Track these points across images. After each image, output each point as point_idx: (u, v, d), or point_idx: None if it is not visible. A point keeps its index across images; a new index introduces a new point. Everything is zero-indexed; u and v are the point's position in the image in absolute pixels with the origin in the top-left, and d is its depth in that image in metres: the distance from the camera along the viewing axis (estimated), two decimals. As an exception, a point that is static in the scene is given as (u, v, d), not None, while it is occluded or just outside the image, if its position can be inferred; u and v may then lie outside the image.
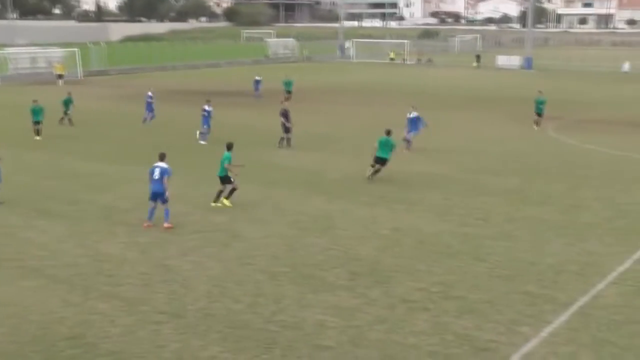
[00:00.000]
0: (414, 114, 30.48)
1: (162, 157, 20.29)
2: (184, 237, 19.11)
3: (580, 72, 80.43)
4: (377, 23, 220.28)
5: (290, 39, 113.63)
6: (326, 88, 61.97)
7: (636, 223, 20.58)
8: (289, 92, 49.61)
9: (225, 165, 21.77)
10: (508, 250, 18.09)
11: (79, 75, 71.38)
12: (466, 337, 13.07)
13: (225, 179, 21.98)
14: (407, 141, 30.89)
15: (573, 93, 58.21)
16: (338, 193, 24.05)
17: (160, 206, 19.95)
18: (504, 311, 14.22)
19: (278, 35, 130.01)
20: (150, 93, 39.75)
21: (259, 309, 14.34)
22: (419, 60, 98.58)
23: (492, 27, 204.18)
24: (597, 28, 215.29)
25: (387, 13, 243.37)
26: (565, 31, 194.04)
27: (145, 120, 39.32)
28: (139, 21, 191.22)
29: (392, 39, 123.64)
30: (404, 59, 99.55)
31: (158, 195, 19.94)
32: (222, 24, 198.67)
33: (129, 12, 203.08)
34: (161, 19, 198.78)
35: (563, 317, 13.98)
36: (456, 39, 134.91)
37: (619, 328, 13.54)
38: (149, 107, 39.44)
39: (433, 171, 27.41)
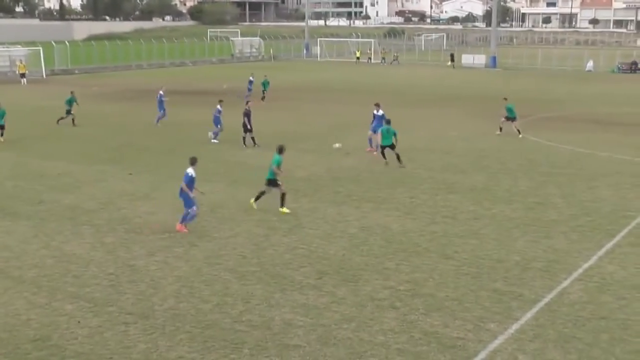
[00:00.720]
0: (380, 112, 30.55)
1: (192, 162, 19.28)
2: (151, 237, 18.98)
3: (545, 70, 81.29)
4: (343, 22, 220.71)
5: (256, 38, 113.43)
6: (292, 87, 61.98)
7: (600, 220, 20.82)
8: (264, 91, 49.73)
9: (273, 168, 20.94)
10: (475, 247, 18.21)
11: (43, 75, 70.62)
12: (434, 335, 13.14)
13: (272, 182, 21.24)
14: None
15: (538, 91, 58.78)
16: (305, 192, 24.04)
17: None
18: (472, 308, 14.32)
19: (243, 34, 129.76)
20: (161, 92, 39.05)
21: (227, 308, 14.29)
22: (383, 59, 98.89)
23: (457, 26, 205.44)
24: (561, 27, 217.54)
25: (353, 12, 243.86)
26: (530, 30, 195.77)
27: (158, 119, 38.64)
28: (104, 20, 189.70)
29: (357, 38, 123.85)
30: (369, 58, 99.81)
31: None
32: (188, 22, 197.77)
33: (93, 11, 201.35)
34: (126, 17, 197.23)
35: (530, 314, 14.11)
36: (422, 37, 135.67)
37: (585, 324, 13.69)
38: (161, 105, 38.67)
39: (400, 169, 27.48)
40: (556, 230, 19.76)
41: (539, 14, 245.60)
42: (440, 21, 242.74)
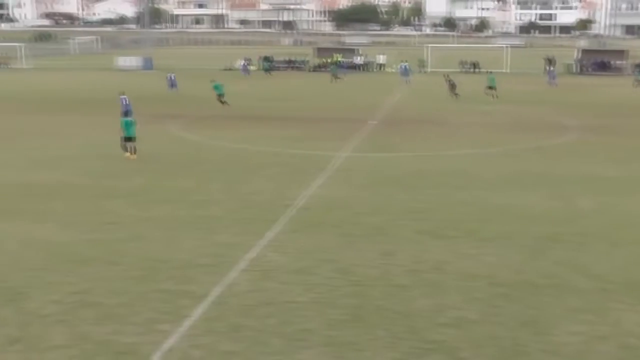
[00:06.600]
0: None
1: None
2: None
3: (197, 69, 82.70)
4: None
5: None
6: None
7: (260, 211, 21.82)
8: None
9: None
10: (141, 250, 18.17)
11: None
12: (106, 343, 12.90)
13: None
14: None
15: (192, 91, 59.63)
16: (-45, 210, 22.26)
17: None
18: (142, 312, 14.27)
19: None
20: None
21: None
22: (2, 64, 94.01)
23: (110, 29, 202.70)
24: (212, 28, 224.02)
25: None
26: (182, 31, 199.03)
27: None
28: None
29: (4, 42, 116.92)
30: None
31: None
32: None
33: None
34: None
35: (200, 310, 14.40)
36: (75, 41, 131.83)
37: (252, 312, 14.29)
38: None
39: (60, 179, 26.50)
40: (220, 225, 20.36)
41: (190, 15, 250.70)
42: (93, 23, 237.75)
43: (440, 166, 28.72)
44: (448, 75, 58.30)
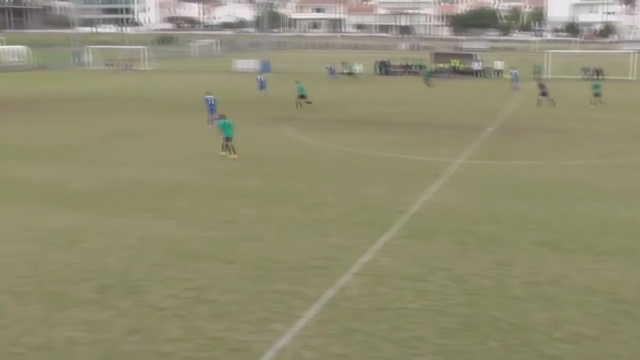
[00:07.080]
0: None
1: None
2: None
3: (314, 73, 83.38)
4: (113, 29, 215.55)
5: (21, 47, 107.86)
6: (61, 97, 59.55)
7: (374, 216, 21.78)
8: None
9: None
10: (255, 250, 18.45)
11: None
12: (219, 340, 13.17)
13: None
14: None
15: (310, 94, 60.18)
16: (82, 205, 23.22)
17: None
18: (256, 311, 14.49)
19: (8, 43, 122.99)
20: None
21: (3, 332, 13.50)
22: (126, 65, 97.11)
23: (229, 32, 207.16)
24: (329, 32, 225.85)
25: (124, 18, 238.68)
26: (300, 35, 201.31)
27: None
28: None
29: (130, 44, 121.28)
30: (124, 65, 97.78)
31: None
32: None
33: None
34: None
35: (312, 311, 14.49)
36: (196, 44, 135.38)
37: (364, 316, 14.27)
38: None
39: (178, 178, 27.28)
40: (333, 228, 20.45)
41: (308, 19, 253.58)
42: (213, 27, 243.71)
43: (558, 176, 27.97)
44: (541, 81, 57.15)
